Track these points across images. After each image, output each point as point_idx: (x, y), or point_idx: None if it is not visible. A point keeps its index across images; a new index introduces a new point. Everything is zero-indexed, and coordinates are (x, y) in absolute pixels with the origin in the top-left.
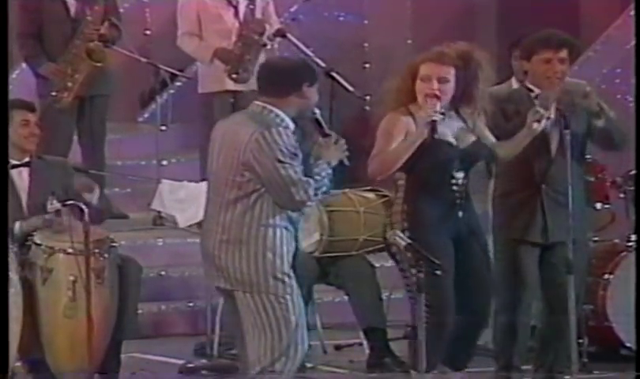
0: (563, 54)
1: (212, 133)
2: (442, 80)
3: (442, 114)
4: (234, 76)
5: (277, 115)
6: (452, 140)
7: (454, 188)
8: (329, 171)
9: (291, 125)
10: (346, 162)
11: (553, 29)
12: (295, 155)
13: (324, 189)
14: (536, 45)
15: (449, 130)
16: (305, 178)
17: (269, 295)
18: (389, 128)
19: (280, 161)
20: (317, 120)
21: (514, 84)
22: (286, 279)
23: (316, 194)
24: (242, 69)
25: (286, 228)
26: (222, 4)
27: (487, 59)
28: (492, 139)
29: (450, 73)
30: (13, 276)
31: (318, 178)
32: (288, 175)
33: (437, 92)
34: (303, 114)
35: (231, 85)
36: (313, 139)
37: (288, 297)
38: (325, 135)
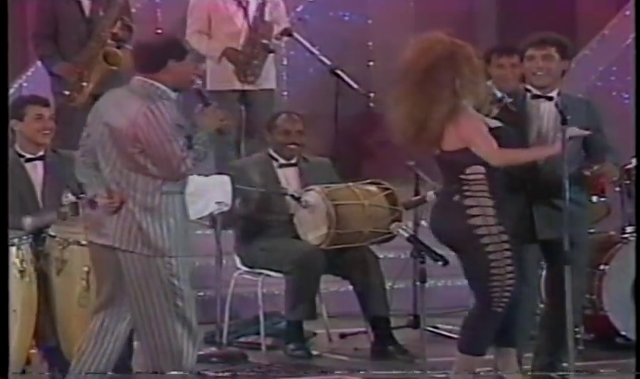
0: (548, 51)
1: (92, 109)
2: None
3: None
4: (242, 78)
5: (158, 87)
6: None
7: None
8: (205, 139)
9: (173, 96)
10: (222, 131)
11: (538, 32)
12: (180, 126)
13: (200, 156)
14: (524, 46)
15: None
16: (185, 151)
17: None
18: (481, 124)
19: (165, 135)
20: (198, 91)
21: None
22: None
23: (194, 164)
24: (249, 71)
25: (181, 192)
26: (232, 5)
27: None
28: None
29: None
30: (28, 267)
31: (196, 147)
32: (171, 149)
33: None
34: (183, 86)
35: (238, 85)
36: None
37: (173, 261)
38: (207, 104)
